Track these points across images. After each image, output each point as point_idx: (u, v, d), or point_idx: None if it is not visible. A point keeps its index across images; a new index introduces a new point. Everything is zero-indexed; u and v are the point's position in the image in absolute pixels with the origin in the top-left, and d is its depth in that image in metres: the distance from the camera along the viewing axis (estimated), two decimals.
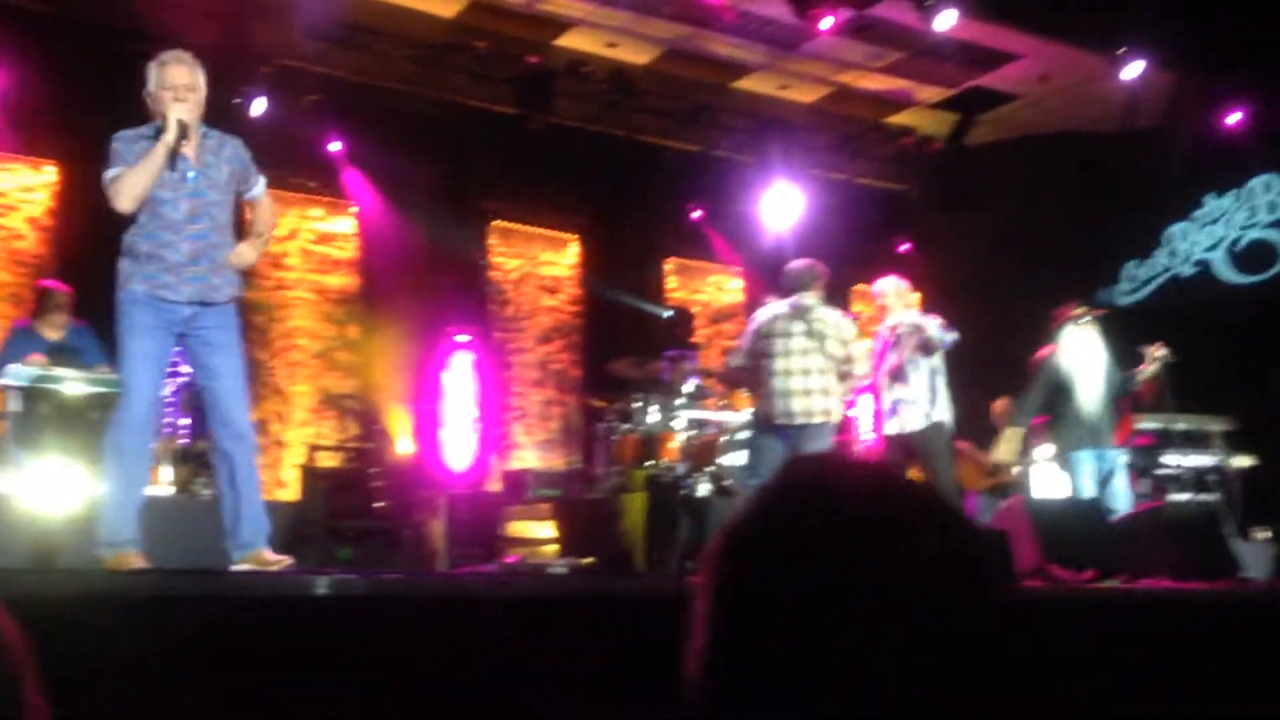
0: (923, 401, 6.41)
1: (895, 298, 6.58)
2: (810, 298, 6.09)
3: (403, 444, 9.12)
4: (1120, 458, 6.74)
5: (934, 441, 6.41)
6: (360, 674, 2.43)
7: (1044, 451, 8.38)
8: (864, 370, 6.15)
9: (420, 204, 9.15)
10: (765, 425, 5.97)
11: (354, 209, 9.39)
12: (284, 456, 8.76)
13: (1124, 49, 8.41)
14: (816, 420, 5.84)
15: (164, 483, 5.65)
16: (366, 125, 8.89)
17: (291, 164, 8.95)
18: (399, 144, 8.88)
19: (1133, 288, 10.20)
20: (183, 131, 3.80)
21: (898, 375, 6.41)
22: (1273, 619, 3.93)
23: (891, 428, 6.45)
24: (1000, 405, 8.88)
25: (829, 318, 6.05)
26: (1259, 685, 3.46)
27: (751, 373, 6.14)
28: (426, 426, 9.19)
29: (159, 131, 3.86)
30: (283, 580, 3.57)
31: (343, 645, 2.50)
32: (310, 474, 7.50)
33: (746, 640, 0.87)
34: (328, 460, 8.05)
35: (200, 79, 3.96)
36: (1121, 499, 6.55)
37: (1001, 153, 10.61)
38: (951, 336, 6.42)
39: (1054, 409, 6.82)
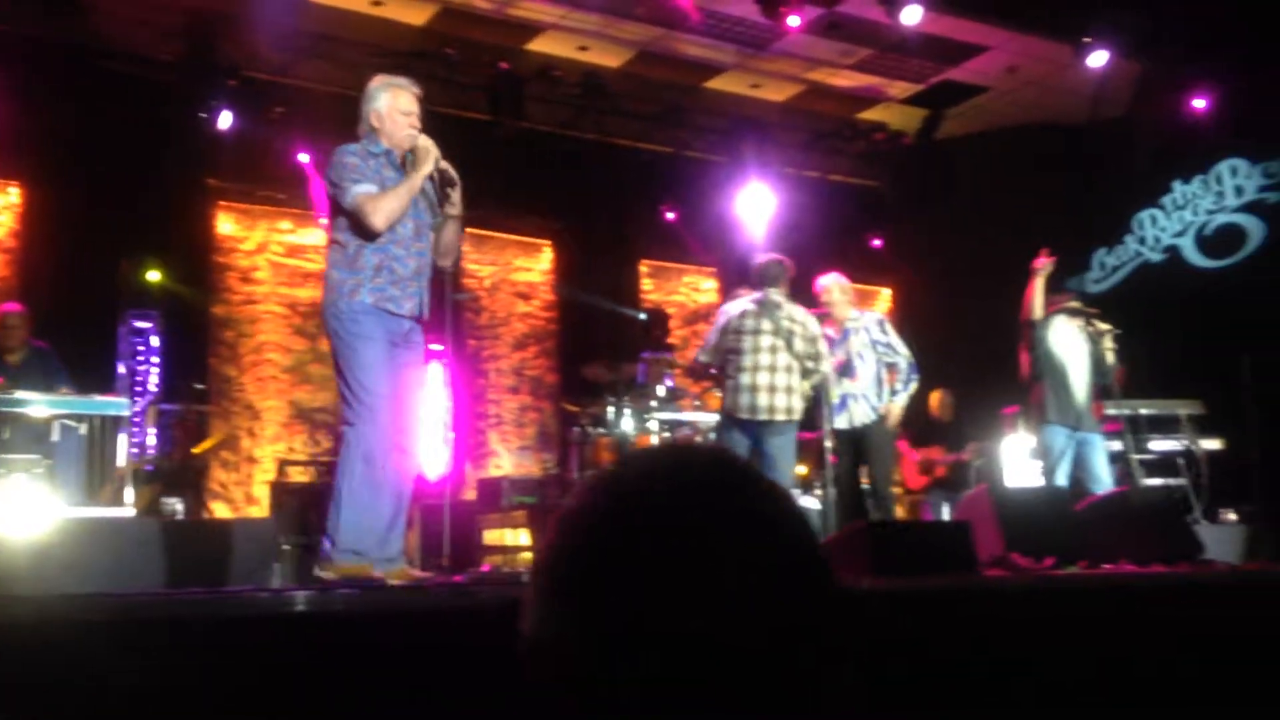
0: (871, 396, 6.54)
1: (840, 294, 6.70)
2: (777, 294, 6.13)
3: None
4: (1099, 441, 6.81)
5: (880, 437, 6.55)
6: (331, 690, 2.42)
7: (1012, 442, 8.41)
8: (828, 368, 6.21)
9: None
10: (730, 420, 6.01)
11: (324, 221, 9.36)
12: (255, 473, 8.74)
13: (1089, 39, 8.44)
14: (780, 417, 5.88)
15: (127, 503, 5.62)
16: (335, 135, 8.81)
17: (259, 176, 8.97)
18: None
19: (1103, 275, 10.24)
20: (435, 164, 4.06)
21: (845, 370, 6.51)
22: (1231, 600, 3.95)
23: (840, 422, 6.52)
24: (936, 397, 8.93)
25: (796, 315, 6.09)
26: (1217, 666, 3.48)
27: (719, 368, 6.18)
28: None
29: (386, 151, 4.10)
30: (255, 599, 3.56)
31: (315, 660, 2.50)
32: (281, 490, 7.46)
33: (564, 638, 0.85)
34: (300, 475, 8.03)
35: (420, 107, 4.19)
36: (1101, 482, 6.60)
37: (972, 146, 10.65)
38: (915, 379, 6.65)
39: (1040, 394, 6.87)
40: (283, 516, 7.04)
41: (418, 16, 8.79)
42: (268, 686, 2.35)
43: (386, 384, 3.90)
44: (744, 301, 6.18)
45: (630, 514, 0.86)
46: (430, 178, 4.10)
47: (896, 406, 6.58)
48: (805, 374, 6.02)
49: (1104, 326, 6.84)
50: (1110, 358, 6.79)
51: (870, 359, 6.60)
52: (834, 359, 6.53)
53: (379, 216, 3.91)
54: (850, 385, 6.54)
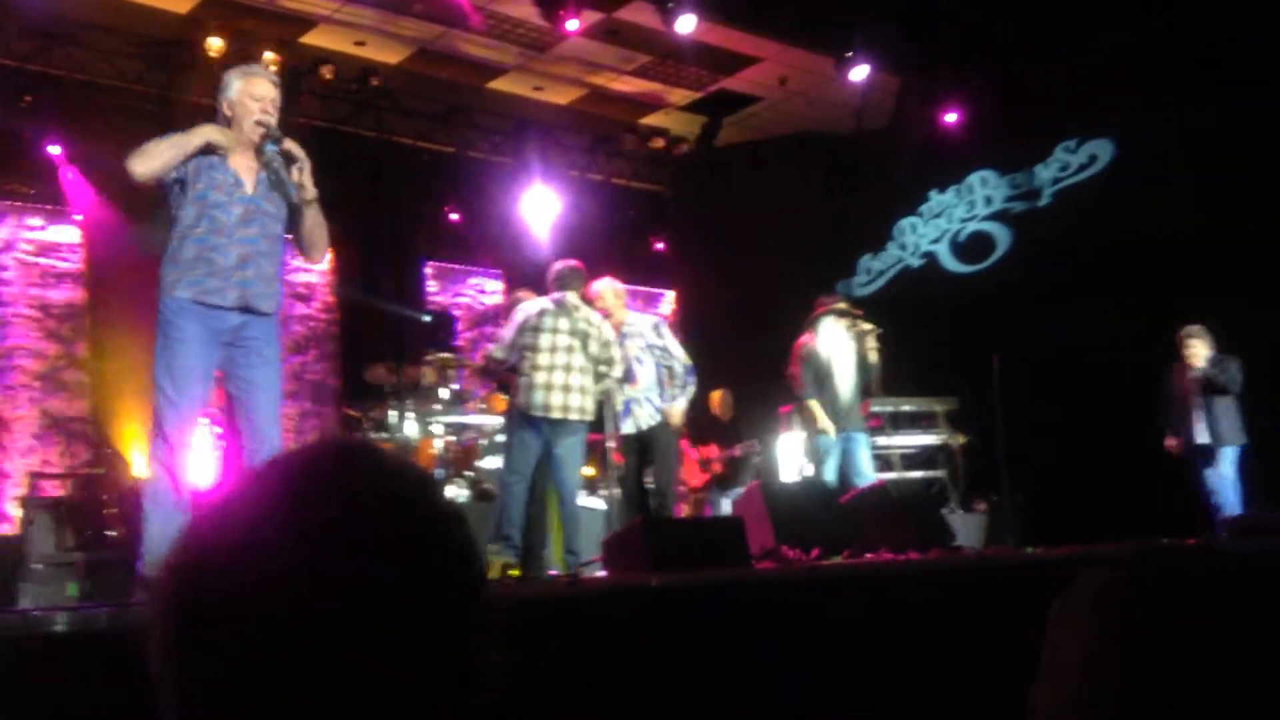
0: (654, 398, 6.67)
1: (614, 299, 6.75)
2: (574, 297, 6.17)
3: (139, 468, 8.61)
4: (863, 438, 7.21)
5: (664, 439, 6.69)
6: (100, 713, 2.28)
7: (787, 439, 8.77)
8: (619, 374, 6.29)
9: (152, 211, 8.65)
10: (522, 419, 6.00)
11: (78, 217, 8.79)
12: (4, 488, 8.11)
13: (850, 53, 8.90)
14: (573, 417, 5.92)
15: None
16: (91, 127, 8.35)
17: (5, 169, 8.34)
18: (127, 147, 8.36)
19: (869, 279, 10.82)
20: (271, 139, 3.89)
21: (625, 376, 6.57)
22: (977, 580, 4.26)
23: (627, 426, 6.62)
24: (717, 396, 9.26)
25: (593, 319, 6.16)
26: (966, 642, 3.74)
27: (513, 365, 6.17)
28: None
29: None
30: (11, 620, 3.31)
31: (78, 683, 2.35)
32: (33, 504, 6.93)
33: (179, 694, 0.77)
34: (53, 489, 7.49)
35: (278, 91, 4.05)
36: (864, 477, 6.99)
37: (749, 152, 11.03)
38: (692, 382, 6.77)
39: (810, 394, 7.21)
40: (36, 533, 6.55)
41: (181, 4, 8.36)
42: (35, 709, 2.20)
43: (198, 390, 3.76)
44: (543, 301, 6.20)
45: (232, 544, 0.77)
46: (270, 161, 3.91)
47: (676, 410, 6.72)
48: (598, 377, 6.09)
49: (867, 326, 7.23)
50: (874, 356, 7.18)
51: (649, 362, 6.70)
52: None
53: (134, 160, 3.76)
54: (631, 390, 6.62)
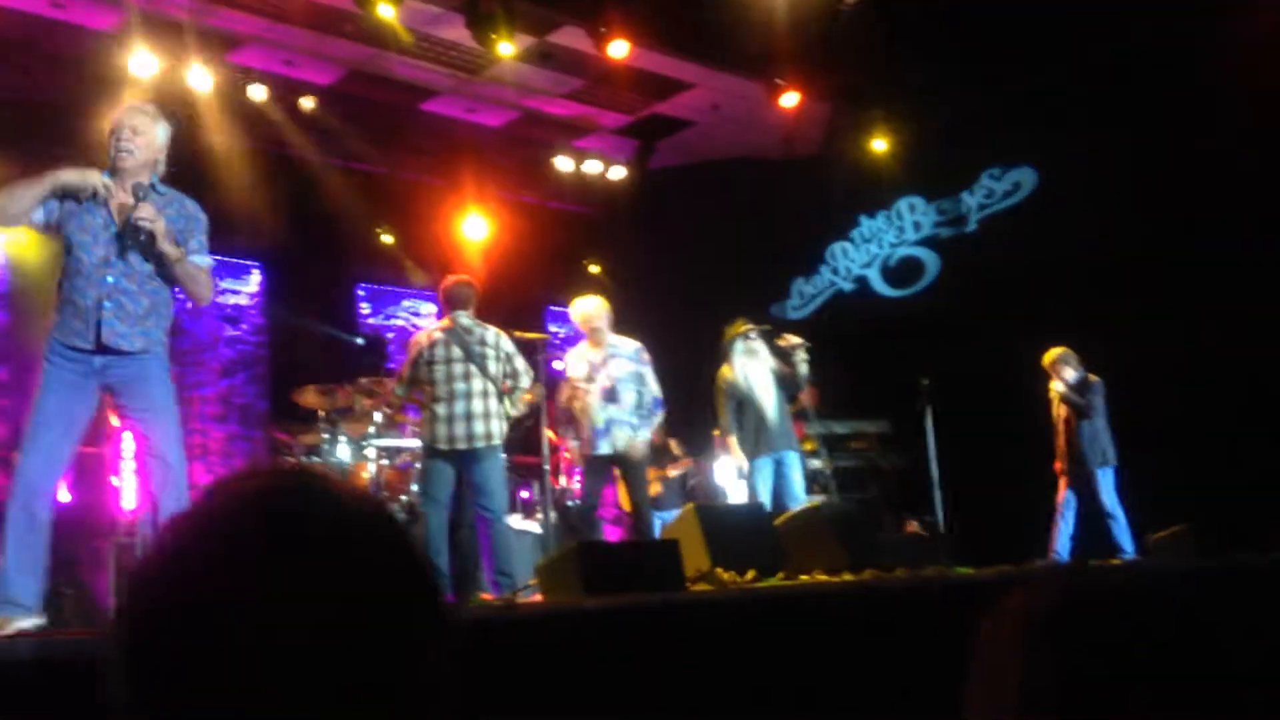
0: (634, 420, 6.55)
1: (601, 319, 6.66)
2: (467, 317, 6.08)
3: (63, 493, 8.37)
4: (796, 460, 7.24)
5: (639, 462, 6.59)
6: None
7: (723, 462, 8.81)
8: (528, 383, 6.20)
9: None
10: (432, 451, 5.92)
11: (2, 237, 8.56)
12: None
13: (780, 80, 9.02)
14: (479, 444, 5.82)
15: None
16: (11, 148, 8.15)
17: None
18: (56, 167, 8.18)
19: (802, 303, 10.94)
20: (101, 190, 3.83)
21: (611, 396, 6.49)
22: (910, 601, 4.30)
23: (604, 447, 6.48)
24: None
25: (487, 336, 6.05)
26: (900, 663, 3.77)
27: (417, 400, 6.11)
28: (91, 473, 8.47)
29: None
30: None
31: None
32: None
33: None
34: None
35: (145, 122, 3.99)
36: (796, 499, 7.03)
37: (681, 177, 11.11)
38: (659, 414, 6.78)
39: (741, 418, 7.24)
40: None
41: (103, 21, 8.21)
42: None
43: (54, 433, 3.76)
44: (433, 329, 6.12)
45: (189, 567, 0.77)
46: (131, 215, 3.85)
47: (639, 440, 6.58)
48: (502, 396, 5.99)
49: (795, 340, 7.25)
50: (803, 369, 7.20)
51: (632, 386, 6.58)
52: (599, 383, 6.51)
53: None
54: (615, 410, 6.48)
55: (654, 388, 6.75)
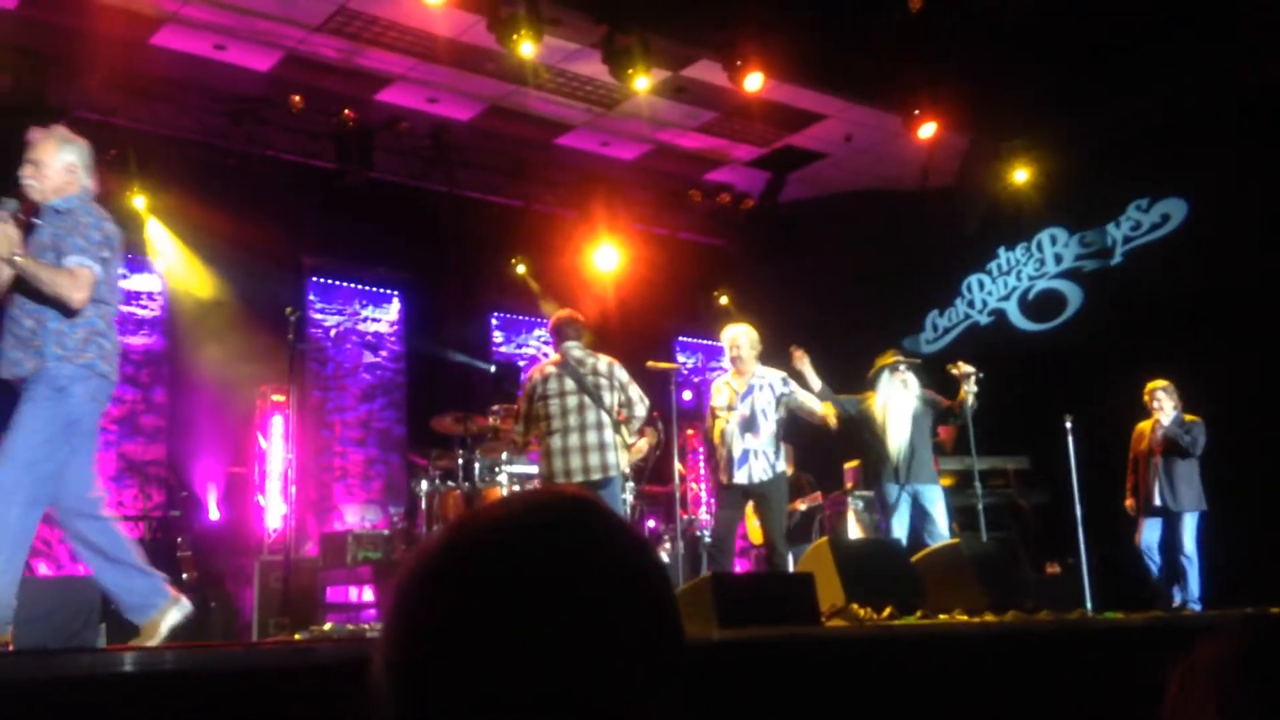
0: (770, 453, 6.43)
1: (749, 348, 6.55)
2: (578, 349, 6.08)
3: (213, 511, 8.75)
4: (933, 494, 7.01)
5: (776, 493, 6.46)
6: None
7: (854, 495, 8.66)
8: (643, 411, 6.14)
9: (235, 260, 8.89)
10: (551, 484, 5.95)
11: (159, 266, 9.04)
12: None
13: (917, 112, 8.90)
14: (596, 476, 5.80)
15: None
16: (173, 180, 8.63)
17: None
18: (210, 199, 8.63)
19: (936, 336, 10.72)
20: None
21: (749, 425, 6.39)
22: (1055, 645, 4.15)
23: (740, 477, 6.37)
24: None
25: (600, 366, 6.04)
26: (1045, 707, 3.64)
27: (536, 438, 6.11)
28: (239, 491, 8.83)
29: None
30: (81, 658, 3.36)
31: None
32: None
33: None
34: (129, 531, 7.61)
35: (44, 151, 3.89)
36: (937, 535, 6.81)
37: (812, 209, 11.05)
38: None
39: (870, 451, 7.09)
40: None
41: (262, 62, 8.63)
42: None
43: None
44: (546, 365, 6.12)
45: (475, 573, 0.80)
46: None
47: (778, 471, 6.47)
48: (618, 425, 5.95)
49: (967, 369, 6.98)
50: (972, 399, 6.95)
51: (772, 417, 6.46)
52: (739, 413, 6.44)
53: None
54: (753, 440, 6.38)
55: (816, 408, 6.57)
